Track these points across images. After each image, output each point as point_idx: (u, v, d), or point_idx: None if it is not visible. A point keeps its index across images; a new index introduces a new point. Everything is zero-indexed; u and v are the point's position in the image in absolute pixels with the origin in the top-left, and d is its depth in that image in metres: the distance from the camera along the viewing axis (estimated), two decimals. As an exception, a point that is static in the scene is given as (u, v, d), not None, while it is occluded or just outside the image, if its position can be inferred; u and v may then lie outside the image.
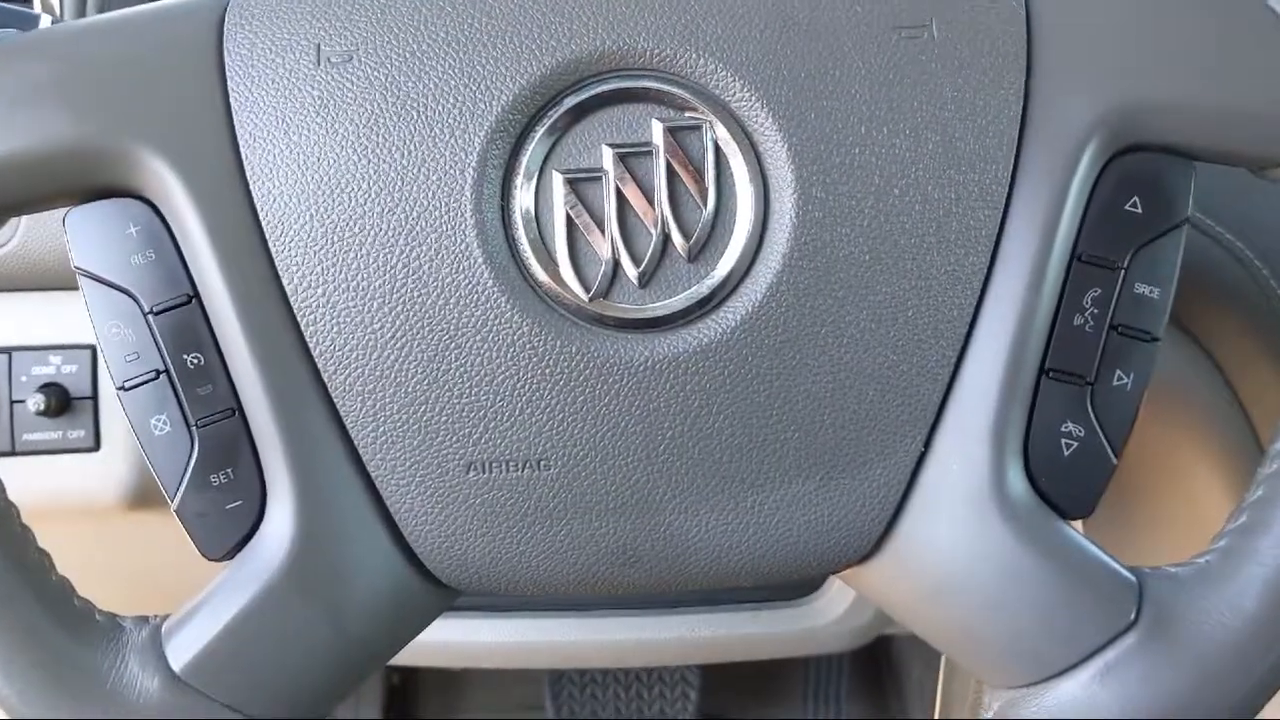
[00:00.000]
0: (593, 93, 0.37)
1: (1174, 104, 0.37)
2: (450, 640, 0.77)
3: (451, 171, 0.36)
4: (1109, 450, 0.38)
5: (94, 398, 0.60)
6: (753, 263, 0.37)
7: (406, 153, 0.36)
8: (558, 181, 0.37)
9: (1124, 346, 0.38)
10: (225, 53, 0.37)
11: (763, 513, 0.38)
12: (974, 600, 0.37)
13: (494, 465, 0.37)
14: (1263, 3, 0.38)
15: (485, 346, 0.37)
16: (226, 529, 0.37)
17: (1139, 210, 0.38)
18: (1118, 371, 0.38)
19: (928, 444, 0.37)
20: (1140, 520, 0.71)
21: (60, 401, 0.60)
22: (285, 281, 0.37)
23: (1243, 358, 0.62)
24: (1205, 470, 0.63)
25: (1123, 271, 0.38)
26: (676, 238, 0.37)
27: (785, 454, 0.37)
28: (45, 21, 0.41)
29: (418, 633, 0.40)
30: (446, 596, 0.40)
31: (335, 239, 0.36)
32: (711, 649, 0.82)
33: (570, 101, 0.37)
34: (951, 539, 0.37)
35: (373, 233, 0.36)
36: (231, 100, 0.37)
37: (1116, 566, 0.37)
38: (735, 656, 0.86)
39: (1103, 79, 0.37)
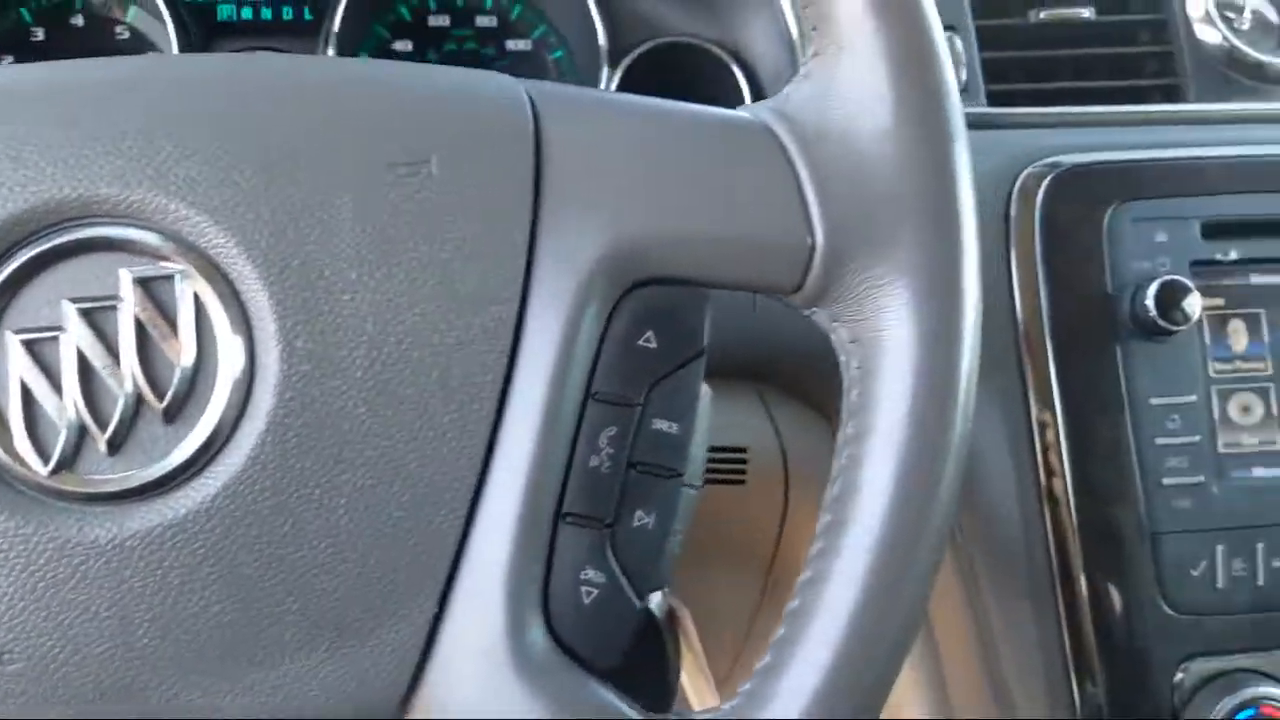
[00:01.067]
0: (51, 244, 0.34)
1: (679, 237, 0.36)
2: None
3: None
4: (631, 595, 0.36)
5: None
6: (237, 422, 0.34)
7: None
8: (12, 343, 0.33)
9: (644, 485, 0.37)
10: None
11: (266, 690, 0.35)
12: None
13: None
14: (768, 132, 0.37)
15: None
16: None
17: (654, 345, 0.37)
18: (638, 511, 0.37)
19: (442, 604, 0.35)
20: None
21: None
22: None
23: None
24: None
25: (640, 408, 0.37)
26: (150, 398, 0.34)
27: (285, 625, 0.35)
28: None
29: None
30: None
31: None
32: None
33: (25, 255, 0.34)
34: (473, 700, 0.35)
35: None
36: None
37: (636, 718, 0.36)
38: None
39: (608, 214, 0.36)
